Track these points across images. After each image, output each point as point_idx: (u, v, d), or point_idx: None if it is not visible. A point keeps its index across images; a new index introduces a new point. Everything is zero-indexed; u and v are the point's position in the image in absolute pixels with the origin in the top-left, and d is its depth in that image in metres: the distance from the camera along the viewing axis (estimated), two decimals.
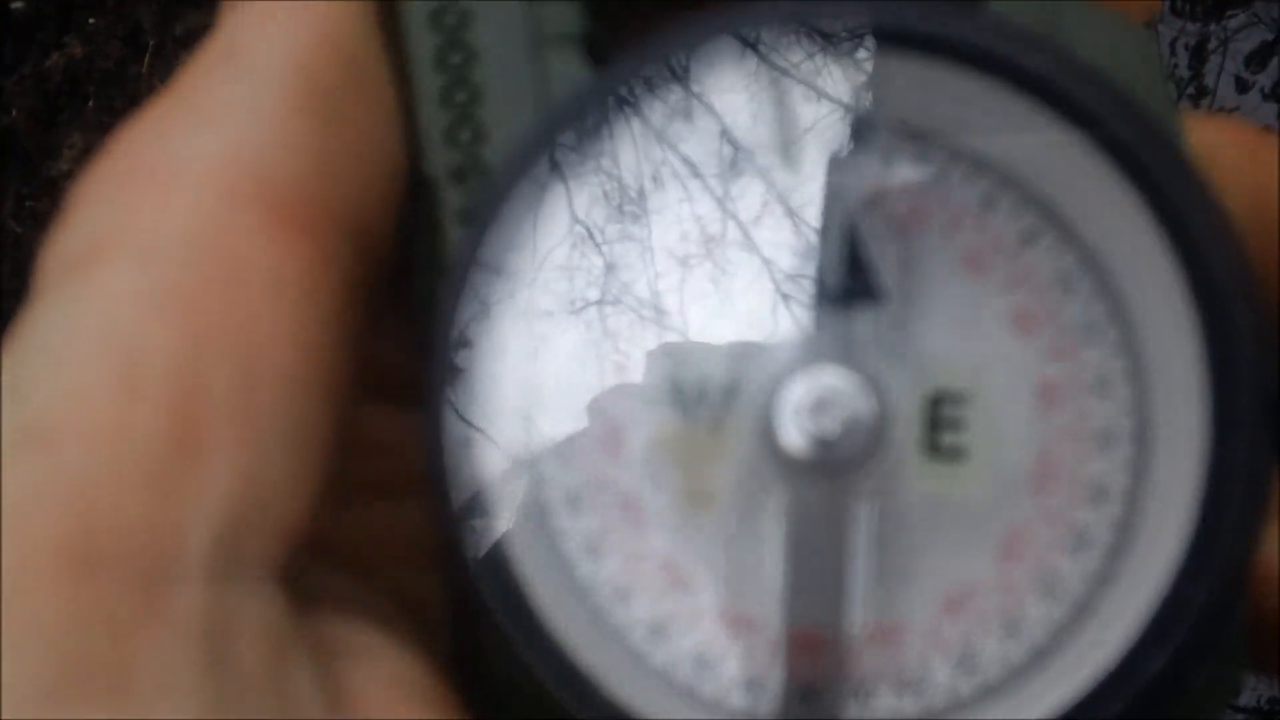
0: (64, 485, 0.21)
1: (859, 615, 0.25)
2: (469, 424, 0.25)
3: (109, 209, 0.24)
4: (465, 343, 0.25)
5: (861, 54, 0.25)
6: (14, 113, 1.18)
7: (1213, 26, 1.20)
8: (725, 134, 0.26)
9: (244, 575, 0.22)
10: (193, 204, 0.23)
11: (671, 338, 0.26)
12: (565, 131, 0.25)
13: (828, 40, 0.25)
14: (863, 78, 0.25)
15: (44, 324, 0.23)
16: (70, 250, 0.24)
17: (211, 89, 0.25)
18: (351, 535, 0.27)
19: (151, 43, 1.23)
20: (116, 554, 0.21)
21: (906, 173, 0.26)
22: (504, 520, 0.25)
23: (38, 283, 0.24)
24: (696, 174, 0.26)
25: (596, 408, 0.26)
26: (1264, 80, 1.18)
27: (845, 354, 0.25)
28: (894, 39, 0.25)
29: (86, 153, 1.15)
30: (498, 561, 0.25)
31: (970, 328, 0.25)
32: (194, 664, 0.21)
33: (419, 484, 0.26)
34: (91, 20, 1.24)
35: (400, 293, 0.27)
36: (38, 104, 1.20)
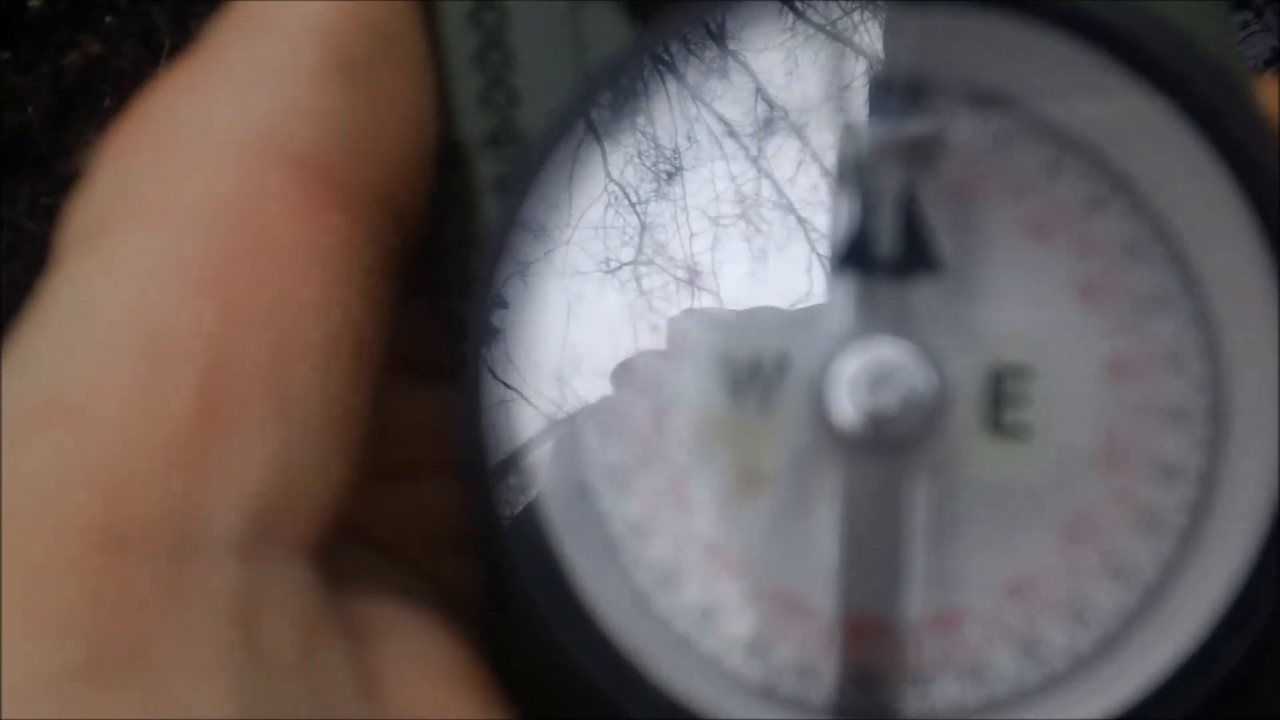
0: (89, 463, 0.20)
1: (917, 600, 0.24)
2: (507, 390, 0.24)
3: (131, 176, 0.23)
4: (502, 303, 0.24)
5: (921, 10, 0.24)
6: (29, 111, 1.18)
7: None
8: (766, 94, 0.25)
9: (274, 555, 0.21)
10: (219, 170, 0.22)
11: (714, 303, 0.24)
12: (605, 94, 0.24)
13: None
14: (923, 35, 0.24)
15: (64, 293, 0.22)
16: (91, 218, 0.23)
17: (236, 53, 0.23)
18: (381, 515, 0.26)
19: (167, 42, 1.22)
20: (143, 534, 0.20)
21: (967, 135, 0.24)
22: (544, 498, 0.24)
23: (57, 251, 0.23)
24: (738, 137, 0.25)
25: (641, 379, 0.24)
26: None
27: (902, 326, 0.24)
28: None
29: None
30: (538, 543, 0.23)
31: (1034, 299, 0.24)
32: (223, 644, 0.20)
33: (449, 463, 0.25)
34: (108, 19, 1.24)
35: (427, 264, 0.26)
36: (53, 102, 1.19)
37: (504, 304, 0.24)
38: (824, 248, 0.24)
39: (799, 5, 0.24)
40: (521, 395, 0.24)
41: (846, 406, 0.24)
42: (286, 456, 0.21)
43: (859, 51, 0.24)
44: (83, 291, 0.22)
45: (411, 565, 0.26)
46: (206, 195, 0.22)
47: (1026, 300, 0.24)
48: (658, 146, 0.25)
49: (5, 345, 0.22)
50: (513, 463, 0.24)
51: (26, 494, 0.20)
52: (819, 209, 0.24)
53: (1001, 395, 0.24)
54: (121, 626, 0.19)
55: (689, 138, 0.25)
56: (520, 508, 0.24)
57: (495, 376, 0.24)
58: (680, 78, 0.24)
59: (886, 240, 0.24)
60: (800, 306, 0.24)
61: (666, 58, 0.24)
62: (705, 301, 0.25)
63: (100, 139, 0.24)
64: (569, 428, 0.24)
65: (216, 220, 0.22)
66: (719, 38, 0.24)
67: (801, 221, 0.25)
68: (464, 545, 0.26)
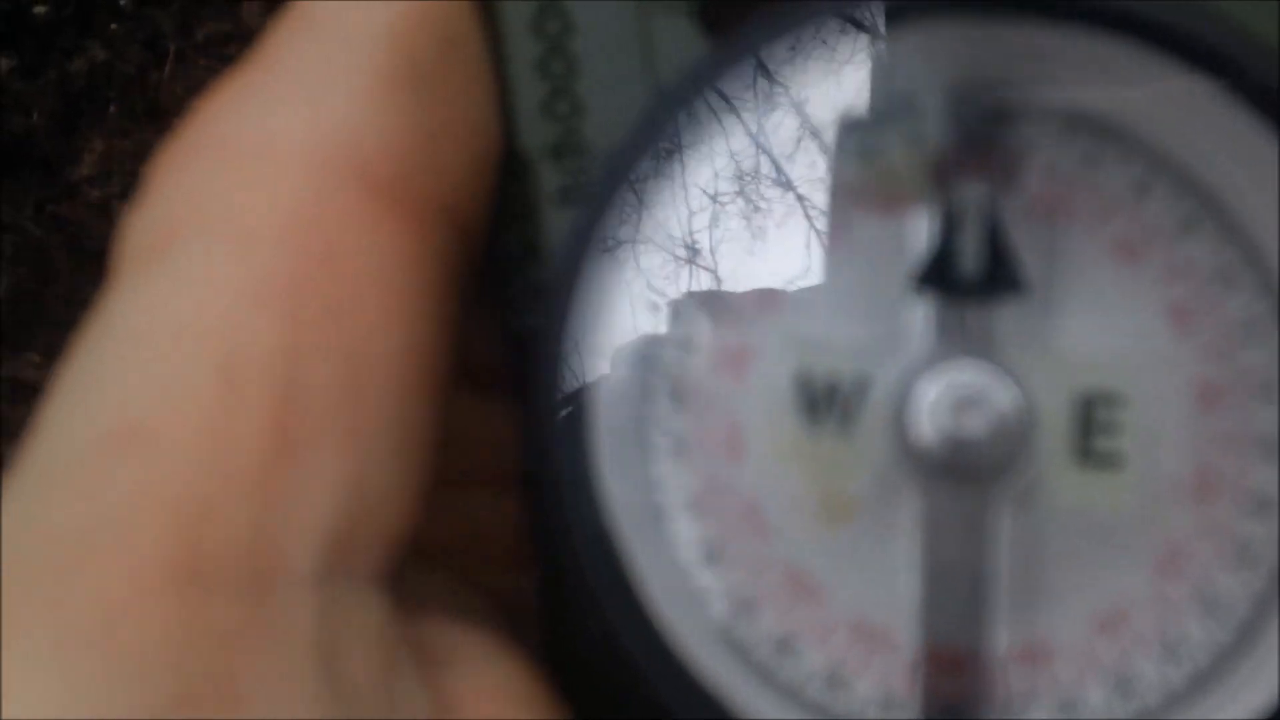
0: (167, 493, 0.19)
1: (1003, 633, 0.23)
2: (575, 402, 0.23)
3: (191, 188, 0.22)
4: (573, 318, 0.23)
5: (1007, 21, 0.23)
6: (34, 116, 1.17)
7: None
8: (842, 109, 0.24)
9: (351, 583, 0.21)
10: (285, 182, 0.21)
11: (793, 321, 0.24)
12: (681, 110, 0.23)
13: (964, 8, 0.23)
14: (1007, 47, 0.23)
15: (128, 311, 0.21)
16: (151, 232, 0.22)
17: (297, 59, 0.23)
18: (443, 532, 0.25)
19: (172, 48, 1.22)
20: (223, 566, 0.19)
21: (1054, 152, 0.24)
22: (615, 520, 0.23)
23: (115, 267, 0.22)
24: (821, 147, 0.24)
25: (719, 403, 0.24)
26: None
27: (986, 348, 0.24)
28: (1043, 6, 0.23)
29: (106, 158, 1.14)
30: (611, 570, 0.23)
31: (1122, 323, 0.24)
32: (306, 677, 0.19)
33: (506, 476, 0.24)
34: (113, 25, 1.23)
35: (487, 276, 0.25)
36: (58, 108, 1.18)
37: (575, 317, 0.23)
38: (906, 266, 0.24)
39: (875, 19, 0.23)
40: (589, 403, 0.23)
41: (928, 430, 0.23)
42: (359, 481, 0.21)
43: (951, 68, 0.23)
44: (150, 307, 0.21)
45: (467, 579, 0.25)
46: (273, 210, 0.21)
47: (1114, 324, 0.24)
48: (736, 160, 0.24)
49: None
50: (583, 481, 0.23)
51: (106, 525, 0.19)
52: (901, 226, 0.24)
53: (1092, 422, 0.23)
54: (206, 663, 0.18)
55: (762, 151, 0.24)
56: (591, 528, 0.23)
57: (562, 390, 0.23)
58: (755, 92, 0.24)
59: (970, 260, 0.24)
60: (881, 327, 0.24)
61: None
62: (783, 319, 0.24)
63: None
64: (640, 446, 0.23)
65: (284, 236, 0.21)
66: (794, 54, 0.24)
67: (882, 239, 0.24)
68: (518, 559, 0.25)
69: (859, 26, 0.23)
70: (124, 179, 1.11)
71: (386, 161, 0.22)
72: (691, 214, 0.24)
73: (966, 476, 0.23)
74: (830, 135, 0.24)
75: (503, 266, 0.25)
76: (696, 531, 0.23)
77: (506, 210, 0.25)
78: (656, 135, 0.23)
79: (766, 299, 0.24)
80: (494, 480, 0.26)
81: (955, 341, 0.24)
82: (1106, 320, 0.24)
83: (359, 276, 0.21)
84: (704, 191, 0.24)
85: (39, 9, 1.25)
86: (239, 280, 0.21)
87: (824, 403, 0.24)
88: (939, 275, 0.24)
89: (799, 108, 0.24)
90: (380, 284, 0.21)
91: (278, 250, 0.21)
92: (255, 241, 0.21)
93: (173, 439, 0.19)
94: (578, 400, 0.23)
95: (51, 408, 0.21)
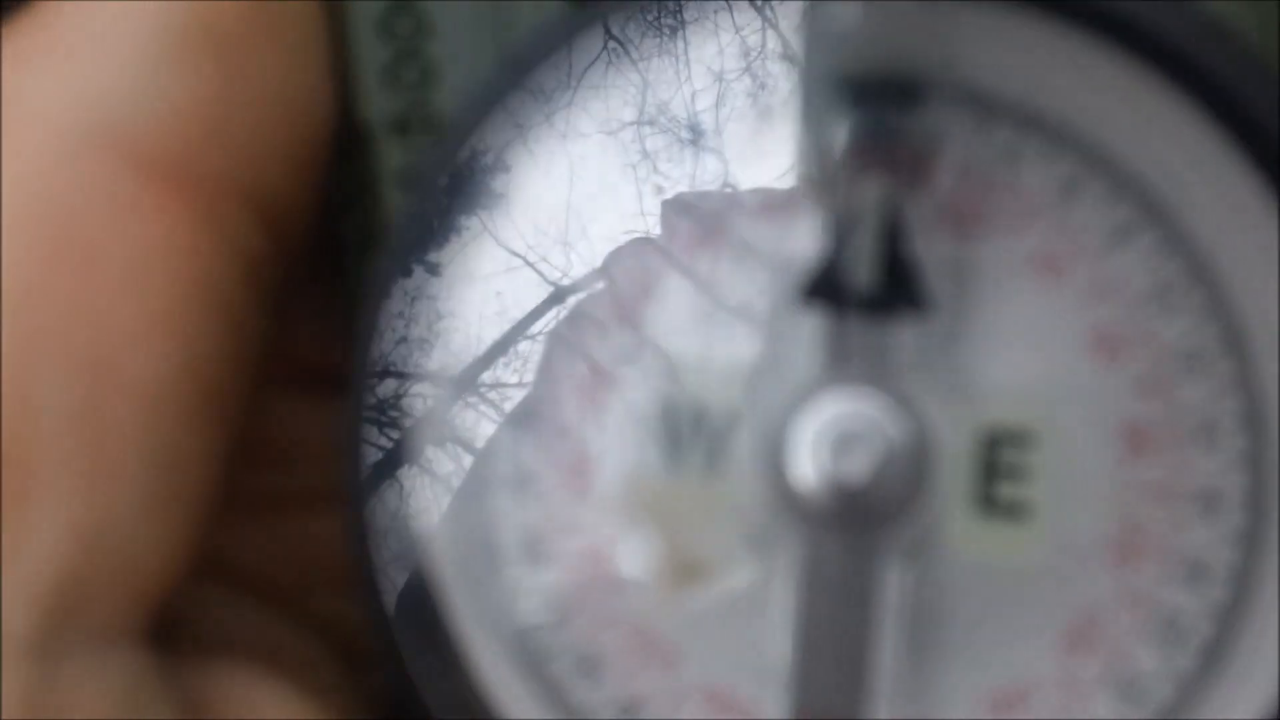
0: None
1: (884, 708, 0.20)
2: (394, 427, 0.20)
3: None
4: (504, 167, 0.20)
5: None
6: None
7: None
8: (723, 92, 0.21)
9: (83, 647, 0.18)
10: (31, 161, 0.18)
11: (655, 340, 0.21)
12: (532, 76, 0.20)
13: None
14: (920, 25, 0.20)
15: None
16: None
17: (72, 19, 0.20)
18: (261, 555, 0.23)
19: None
20: None
21: (966, 146, 0.20)
22: (438, 558, 0.20)
23: None
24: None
25: (569, 430, 0.21)
26: None
27: (878, 375, 0.20)
28: None
29: None
30: (425, 613, 0.20)
31: (1040, 350, 0.20)
32: None
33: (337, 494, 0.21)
34: None
35: (328, 268, 0.23)
36: None
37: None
38: (787, 276, 0.20)
39: (682, 15, 0.20)
40: (411, 422, 0.20)
41: (807, 471, 0.20)
42: (99, 528, 0.18)
43: (834, 41, 0.20)
44: None
45: (295, 612, 0.23)
46: (13, 192, 0.18)
47: (1030, 350, 0.20)
48: None
49: None
50: (401, 506, 0.20)
51: None
52: (787, 229, 0.20)
53: (996, 465, 0.20)
54: None
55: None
56: (408, 567, 0.20)
57: (379, 403, 0.20)
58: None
59: (863, 270, 0.20)
60: (759, 347, 0.21)
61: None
62: (648, 333, 0.21)
63: None
64: (472, 476, 0.21)
65: (24, 224, 0.18)
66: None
67: (765, 244, 0.21)
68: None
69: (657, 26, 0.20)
70: None
71: (161, 135, 0.19)
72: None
73: (851, 524, 0.20)
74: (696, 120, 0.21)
75: (342, 255, 0.22)
76: (533, 578, 0.20)
77: (345, 192, 0.22)
78: (501, 106, 0.20)
79: (629, 309, 0.21)
80: (329, 498, 0.23)
81: (844, 366, 0.20)
82: (1021, 346, 0.20)
83: (112, 272, 0.18)
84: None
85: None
86: None
87: (688, 436, 0.20)
88: (828, 288, 0.20)
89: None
90: (140, 281, 0.19)
91: (12, 242, 0.18)
92: None
93: None
94: (397, 419, 0.20)
95: None
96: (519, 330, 0.21)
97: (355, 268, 0.22)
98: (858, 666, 0.20)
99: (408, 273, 0.20)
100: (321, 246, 0.22)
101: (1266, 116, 0.19)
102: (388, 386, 0.20)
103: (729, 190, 0.20)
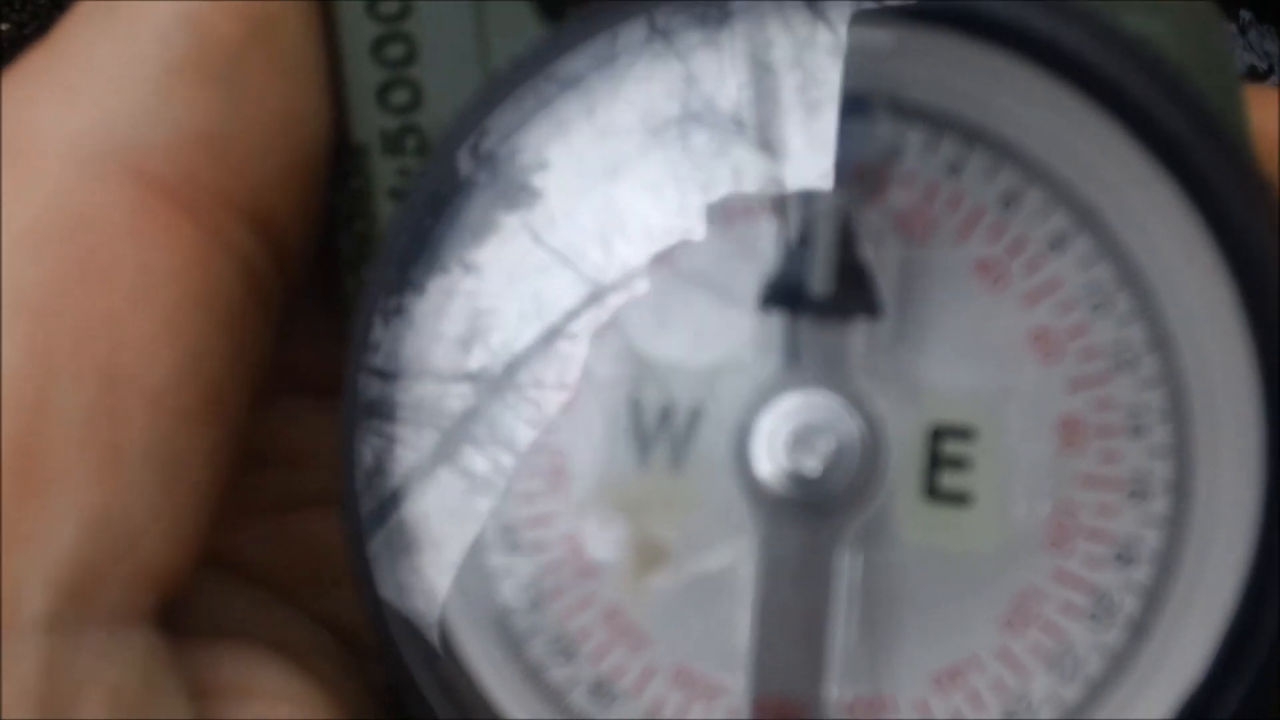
0: None
1: (838, 684, 0.21)
2: (383, 424, 0.21)
3: None
4: (541, 164, 0.21)
5: (862, 19, 0.21)
6: None
7: None
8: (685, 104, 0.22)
9: (96, 626, 0.19)
10: (45, 178, 0.19)
11: (624, 343, 0.22)
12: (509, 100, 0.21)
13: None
14: (864, 47, 0.21)
15: None
16: None
17: (85, 49, 0.21)
18: (269, 551, 0.24)
19: None
20: None
21: (915, 159, 0.21)
22: (427, 551, 0.21)
23: None
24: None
25: (544, 426, 0.22)
26: None
27: (832, 376, 0.22)
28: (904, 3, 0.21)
29: None
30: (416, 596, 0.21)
31: (982, 350, 0.22)
32: None
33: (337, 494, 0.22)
34: None
35: (327, 279, 0.23)
36: None
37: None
38: (748, 282, 0.22)
39: (728, 7, 0.21)
40: (399, 420, 0.21)
41: (766, 465, 0.21)
42: (112, 517, 0.19)
43: (805, 65, 0.21)
44: None
45: (296, 603, 0.24)
46: (29, 208, 0.19)
47: (972, 350, 0.22)
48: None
49: None
50: (392, 505, 0.21)
51: None
52: (750, 236, 0.22)
53: (940, 457, 0.21)
54: None
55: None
56: (400, 561, 0.21)
57: (370, 401, 0.21)
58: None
59: (818, 277, 0.21)
60: (722, 349, 0.22)
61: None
62: (617, 336, 0.22)
63: None
64: (459, 471, 0.22)
65: (42, 241, 0.19)
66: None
67: (728, 250, 0.22)
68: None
69: (703, 18, 0.21)
70: None
71: (169, 158, 0.20)
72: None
73: (808, 513, 0.22)
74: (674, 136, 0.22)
75: (338, 267, 0.23)
76: (512, 564, 0.22)
77: (341, 208, 0.23)
78: (483, 123, 0.21)
79: (600, 313, 0.22)
80: (330, 498, 0.24)
81: (800, 367, 0.22)
82: (964, 346, 0.22)
83: (124, 285, 0.19)
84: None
85: (2, 26, 1.21)
86: None
87: (655, 432, 0.22)
88: (785, 294, 0.22)
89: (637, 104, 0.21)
90: (150, 293, 0.20)
91: (31, 258, 0.19)
92: (7, 248, 0.19)
93: None
94: (387, 416, 0.21)
95: None
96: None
97: (351, 279, 0.23)
98: (815, 646, 0.21)
99: (403, 281, 0.21)
100: (320, 259, 0.23)
101: (1186, 132, 0.20)
102: (379, 388, 0.21)
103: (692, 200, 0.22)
